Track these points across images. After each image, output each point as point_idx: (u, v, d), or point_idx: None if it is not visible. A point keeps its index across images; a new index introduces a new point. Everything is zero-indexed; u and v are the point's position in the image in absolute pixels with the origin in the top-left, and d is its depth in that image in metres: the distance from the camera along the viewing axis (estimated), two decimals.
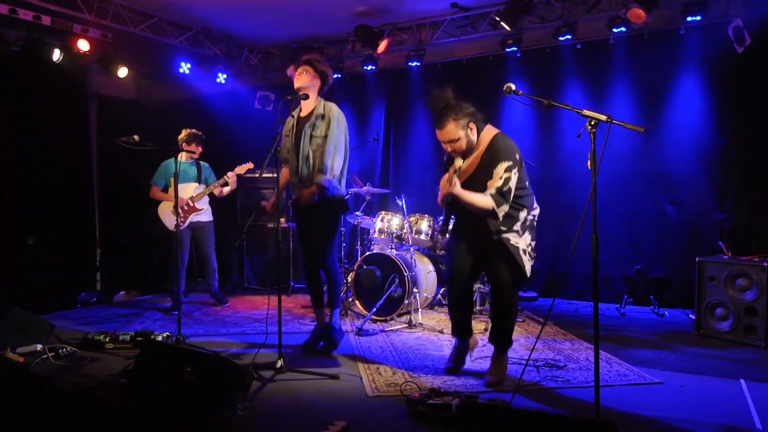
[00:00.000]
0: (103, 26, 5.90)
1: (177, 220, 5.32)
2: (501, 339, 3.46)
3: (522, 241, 3.29)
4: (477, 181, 3.25)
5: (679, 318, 5.16)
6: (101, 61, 6.22)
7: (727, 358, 3.87)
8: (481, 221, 3.25)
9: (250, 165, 5.40)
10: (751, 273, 4.17)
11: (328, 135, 3.87)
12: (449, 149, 3.30)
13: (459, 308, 3.55)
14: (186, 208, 5.50)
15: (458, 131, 3.23)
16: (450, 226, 3.58)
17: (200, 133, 5.58)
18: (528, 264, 3.31)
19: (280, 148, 3.76)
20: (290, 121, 4.06)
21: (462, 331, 3.59)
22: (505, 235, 3.25)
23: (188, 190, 5.52)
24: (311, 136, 3.88)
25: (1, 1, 5.17)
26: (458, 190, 3.13)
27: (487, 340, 3.69)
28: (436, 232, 3.78)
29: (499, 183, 3.16)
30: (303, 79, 3.89)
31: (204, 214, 5.63)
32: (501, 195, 3.17)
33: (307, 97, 3.84)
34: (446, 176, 3.26)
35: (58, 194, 6.32)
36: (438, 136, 3.31)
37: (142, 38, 6.32)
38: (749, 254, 4.44)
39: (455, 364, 3.59)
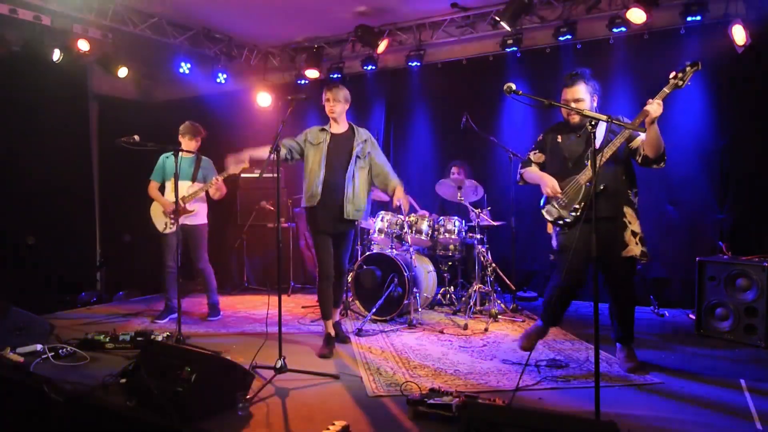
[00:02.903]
0: (103, 26, 5.90)
1: (168, 222, 5.05)
2: (624, 332, 3.59)
3: (638, 225, 3.45)
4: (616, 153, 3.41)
5: (679, 318, 5.16)
6: (101, 61, 6.22)
7: (727, 358, 3.87)
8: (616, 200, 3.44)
9: (246, 165, 5.14)
10: (751, 273, 4.16)
11: (378, 155, 4.26)
12: (571, 107, 3.36)
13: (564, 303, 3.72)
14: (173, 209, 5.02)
15: (585, 94, 3.49)
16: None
17: (197, 125, 5.17)
18: (637, 248, 3.41)
19: (280, 145, 3.79)
20: (321, 135, 4.18)
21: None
22: (626, 211, 3.43)
23: (181, 189, 4.97)
24: (357, 158, 4.13)
25: (1, 1, 5.17)
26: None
27: (486, 340, 3.70)
28: (563, 221, 3.58)
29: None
30: (339, 108, 4.13)
31: (194, 217, 5.07)
32: None
33: (306, 98, 3.86)
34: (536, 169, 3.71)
35: (58, 194, 6.31)
36: (564, 95, 3.58)
37: (142, 38, 6.32)
38: (749, 254, 4.44)
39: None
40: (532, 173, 3.72)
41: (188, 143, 5.11)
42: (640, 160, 3.40)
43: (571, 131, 3.59)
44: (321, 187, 4.05)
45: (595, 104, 3.54)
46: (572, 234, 3.50)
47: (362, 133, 4.22)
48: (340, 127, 4.22)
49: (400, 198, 4.04)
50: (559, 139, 3.62)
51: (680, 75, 3.02)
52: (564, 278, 3.52)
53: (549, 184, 3.55)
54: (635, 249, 3.41)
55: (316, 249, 4.21)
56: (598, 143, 3.41)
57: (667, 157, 3.37)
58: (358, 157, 4.11)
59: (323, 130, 4.20)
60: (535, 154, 3.76)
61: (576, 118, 3.52)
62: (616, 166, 3.44)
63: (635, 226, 3.44)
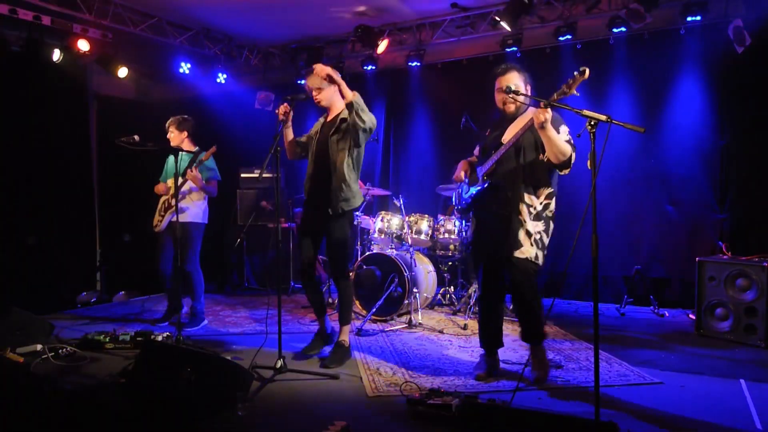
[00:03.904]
0: (103, 26, 5.90)
1: (158, 220, 4.87)
2: (527, 329, 3.48)
3: (532, 225, 3.29)
4: (527, 145, 3.30)
5: (679, 318, 5.16)
6: (101, 61, 6.22)
7: (727, 358, 3.87)
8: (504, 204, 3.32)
9: (213, 149, 4.72)
10: (751, 273, 4.17)
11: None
12: (501, 93, 3.37)
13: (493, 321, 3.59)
14: (165, 206, 4.88)
15: (518, 81, 3.36)
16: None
17: (179, 116, 4.90)
18: (532, 250, 3.27)
19: (280, 148, 3.76)
20: (317, 126, 3.97)
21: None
22: (521, 209, 3.28)
23: (171, 186, 4.78)
24: (338, 141, 3.74)
25: (1, 1, 5.17)
26: (548, 123, 3.02)
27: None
28: (457, 208, 3.64)
29: (566, 137, 3.17)
30: (324, 94, 3.80)
31: (183, 214, 4.68)
32: (570, 144, 3.17)
33: (307, 98, 3.82)
34: (463, 164, 3.62)
35: (59, 194, 6.31)
36: (497, 84, 3.45)
37: (142, 38, 6.32)
38: (749, 254, 4.44)
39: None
40: (462, 161, 3.74)
41: (178, 136, 4.86)
42: (545, 161, 3.27)
43: (501, 124, 3.50)
44: (310, 183, 3.87)
45: (527, 91, 3.39)
46: (475, 233, 3.58)
47: (344, 113, 3.75)
48: (332, 113, 3.87)
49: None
50: (488, 133, 3.61)
51: (570, 81, 2.83)
52: (482, 293, 3.55)
53: (459, 169, 3.65)
54: (529, 250, 3.26)
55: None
56: (507, 137, 3.35)
57: (573, 165, 3.19)
58: (339, 139, 3.72)
59: (320, 121, 3.98)
60: (477, 147, 3.77)
61: (511, 108, 3.42)
62: (517, 163, 3.33)
63: (530, 225, 3.28)
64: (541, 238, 3.31)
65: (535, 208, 3.31)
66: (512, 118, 3.44)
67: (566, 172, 3.24)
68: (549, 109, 2.97)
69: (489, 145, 3.51)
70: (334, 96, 3.84)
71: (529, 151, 3.32)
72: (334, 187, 3.71)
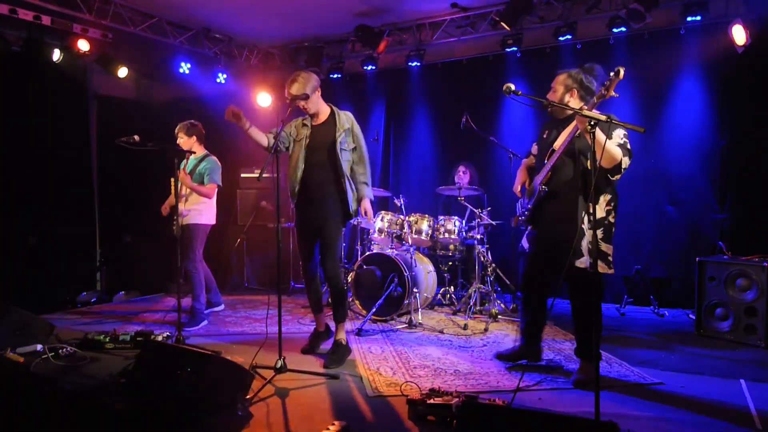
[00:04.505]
0: (103, 26, 5.90)
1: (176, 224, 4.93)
2: (579, 345, 3.44)
3: (590, 234, 3.18)
4: (584, 148, 3.21)
5: (679, 318, 5.16)
6: (101, 61, 6.22)
7: (727, 358, 3.87)
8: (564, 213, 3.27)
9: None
10: (751, 273, 4.17)
11: (360, 148, 3.97)
12: (563, 105, 3.31)
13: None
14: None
15: (559, 85, 3.38)
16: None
17: (190, 122, 5.03)
18: (586, 259, 3.17)
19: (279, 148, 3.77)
20: (303, 130, 3.92)
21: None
22: (583, 218, 3.20)
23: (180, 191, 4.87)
24: (342, 150, 3.83)
25: (1, 1, 5.17)
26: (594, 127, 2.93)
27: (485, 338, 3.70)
28: (521, 219, 3.61)
29: (620, 141, 3.08)
30: (310, 103, 3.79)
31: (185, 217, 4.88)
32: (624, 148, 3.08)
33: (307, 97, 3.80)
34: (525, 162, 3.67)
35: (58, 194, 6.30)
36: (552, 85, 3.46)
37: (142, 38, 6.33)
38: (749, 254, 4.44)
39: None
40: (520, 167, 3.76)
41: (187, 141, 4.98)
42: (598, 165, 3.12)
43: (555, 126, 3.47)
44: (299, 186, 3.88)
45: (572, 98, 3.36)
46: (533, 239, 3.54)
47: (344, 121, 3.87)
48: (320, 117, 3.91)
49: (366, 209, 3.97)
50: (545, 135, 3.55)
51: (607, 83, 2.80)
52: (521, 286, 3.58)
53: (517, 181, 3.71)
54: (584, 260, 3.19)
55: (298, 247, 4.13)
56: (559, 142, 3.32)
57: (623, 171, 3.14)
58: (343, 149, 3.83)
59: (305, 125, 3.95)
60: (534, 145, 3.72)
61: (555, 111, 3.42)
62: (575, 167, 3.28)
63: (588, 234, 3.20)
64: (596, 248, 3.17)
65: (595, 216, 3.25)
66: (566, 119, 3.38)
67: (617, 177, 3.15)
68: (594, 111, 2.88)
69: (543, 148, 3.47)
70: (319, 102, 3.87)
71: (586, 154, 3.24)
72: (345, 191, 3.86)
